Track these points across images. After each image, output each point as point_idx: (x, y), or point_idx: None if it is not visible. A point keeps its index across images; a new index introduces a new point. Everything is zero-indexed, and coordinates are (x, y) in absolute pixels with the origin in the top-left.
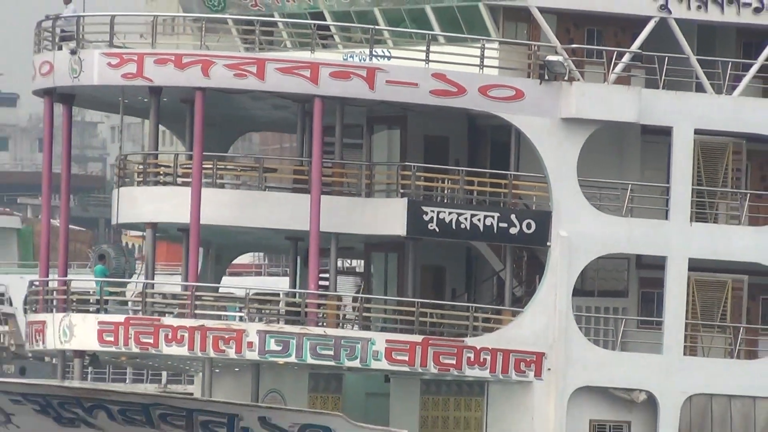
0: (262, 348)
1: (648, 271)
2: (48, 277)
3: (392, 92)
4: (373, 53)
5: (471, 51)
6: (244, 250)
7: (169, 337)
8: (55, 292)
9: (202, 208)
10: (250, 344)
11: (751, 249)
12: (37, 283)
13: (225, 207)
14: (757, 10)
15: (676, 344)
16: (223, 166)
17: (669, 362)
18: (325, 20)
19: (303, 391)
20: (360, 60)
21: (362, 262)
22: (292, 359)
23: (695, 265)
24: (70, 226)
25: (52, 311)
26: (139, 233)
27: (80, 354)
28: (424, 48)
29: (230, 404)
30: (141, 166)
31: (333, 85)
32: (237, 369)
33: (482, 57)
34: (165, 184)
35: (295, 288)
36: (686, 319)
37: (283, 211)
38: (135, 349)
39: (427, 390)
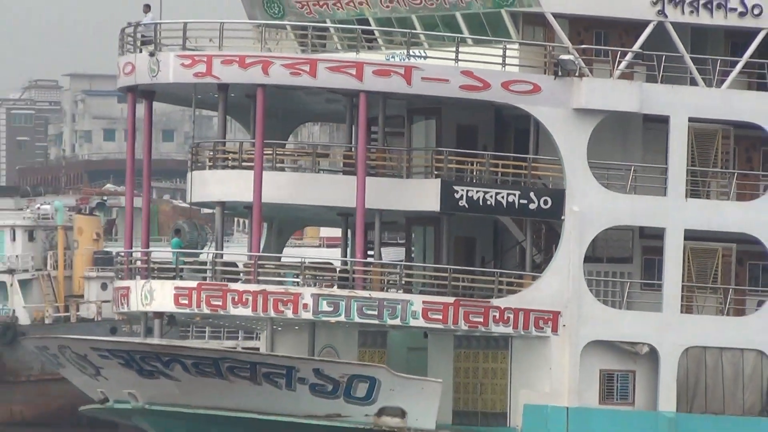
0: (316, 309)
1: (649, 241)
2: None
3: (426, 87)
4: (411, 54)
5: (495, 51)
6: (302, 225)
7: (236, 300)
8: (138, 262)
9: (264, 189)
10: (306, 306)
11: (739, 221)
12: (122, 254)
13: (283, 187)
14: (741, 14)
15: (674, 303)
16: (281, 152)
17: (668, 319)
18: (370, 25)
19: (353, 346)
20: (399, 60)
21: (404, 234)
22: (342, 319)
23: (690, 235)
24: (182, 204)
25: (135, 278)
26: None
27: (159, 315)
28: (455, 49)
29: (288, 358)
30: (211, 153)
31: (375, 81)
32: (296, 327)
33: (504, 56)
34: (232, 168)
35: (345, 257)
36: (683, 281)
37: (334, 190)
38: (206, 311)
39: (459, 344)
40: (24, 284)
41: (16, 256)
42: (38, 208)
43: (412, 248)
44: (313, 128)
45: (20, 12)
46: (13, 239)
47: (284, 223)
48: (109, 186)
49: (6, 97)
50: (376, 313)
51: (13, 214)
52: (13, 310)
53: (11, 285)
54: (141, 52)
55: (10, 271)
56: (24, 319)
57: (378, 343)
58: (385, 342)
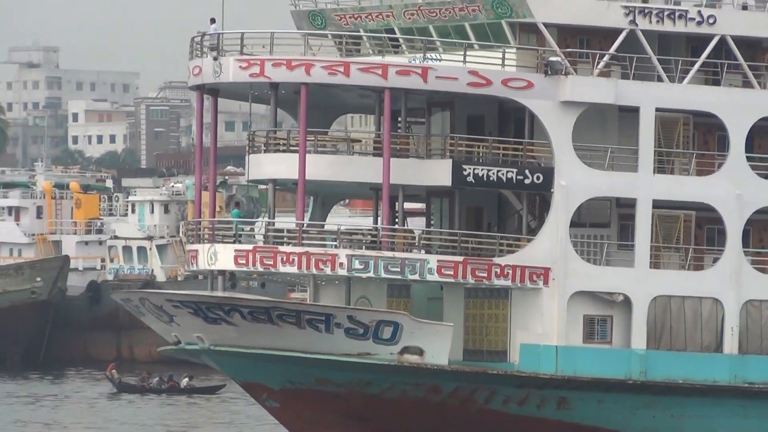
0: (350, 267)
1: (624, 209)
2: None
3: (440, 84)
4: (427, 57)
5: (496, 54)
6: (341, 198)
7: (284, 260)
8: (205, 229)
9: (307, 168)
10: (341, 264)
11: (697, 192)
12: (192, 223)
13: (324, 167)
14: (699, 23)
15: (644, 260)
16: (322, 138)
17: (639, 273)
18: (395, 34)
19: (383, 297)
20: (418, 61)
21: (425, 205)
22: (371, 275)
23: (657, 204)
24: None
25: (202, 242)
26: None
27: (222, 273)
28: (463, 52)
29: (326, 306)
30: (264, 139)
31: (397, 79)
32: (336, 282)
33: (503, 59)
34: (282, 151)
35: (375, 224)
36: (651, 242)
37: (365, 169)
38: (260, 269)
39: (468, 295)
40: (160, 249)
41: (154, 225)
42: (172, 186)
43: (432, 216)
44: (350, 118)
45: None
46: (152, 212)
47: (326, 196)
48: (229, 168)
49: (146, 95)
50: (399, 269)
51: (151, 191)
52: (152, 270)
53: (150, 249)
54: (206, 56)
55: (149, 238)
56: (161, 277)
57: (403, 294)
58: (409, 293)
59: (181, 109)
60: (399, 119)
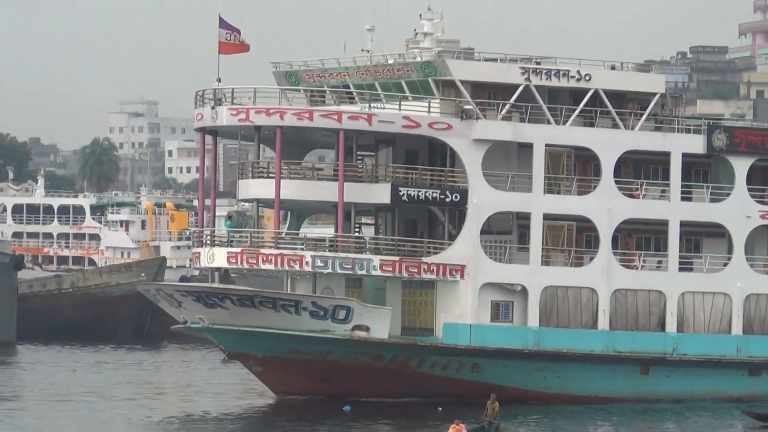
0: (313, 264)
1: (522, 220)
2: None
3: (381, 126)
4: (373, 106)
5: (425, 104)
6: (311, 212)
7: (264, 259)
8: (206, 236)
9: (282, 190)
10: (307, 263)
11: (578, 207)
12: (196, 233)
13: (295, 189)
14: (578, 80)
15: (537, 259)
16: (294, 167)
17: (533, 269)
18: (350, 88)
19: (342, 287)
20: (365, 109)
21: (374, 218)
22: (329, 270)
23: (547, 217)
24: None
25: (203, 246)
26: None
27: (218, 269)
28: (398, 102)
29: (295, 294)
30: (250, 168)
31: (349, 123)
32: (307, 276)
33: (429, 106)
34: (263, 177)
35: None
36: (542, 245)
37: (327, 191)
38: (246, 266)
39: (405, 286)
40: None
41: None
42: (243, 204)
43: (379, 226)
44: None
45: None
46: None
47: (300, 212)
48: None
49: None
50: (350, 267)
51: (227, 209)
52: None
53: None
54: (206, 106)
55: None
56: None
57: (357, 285)
58: (361, 284)
59: (248, 147)
60: (357, 154)
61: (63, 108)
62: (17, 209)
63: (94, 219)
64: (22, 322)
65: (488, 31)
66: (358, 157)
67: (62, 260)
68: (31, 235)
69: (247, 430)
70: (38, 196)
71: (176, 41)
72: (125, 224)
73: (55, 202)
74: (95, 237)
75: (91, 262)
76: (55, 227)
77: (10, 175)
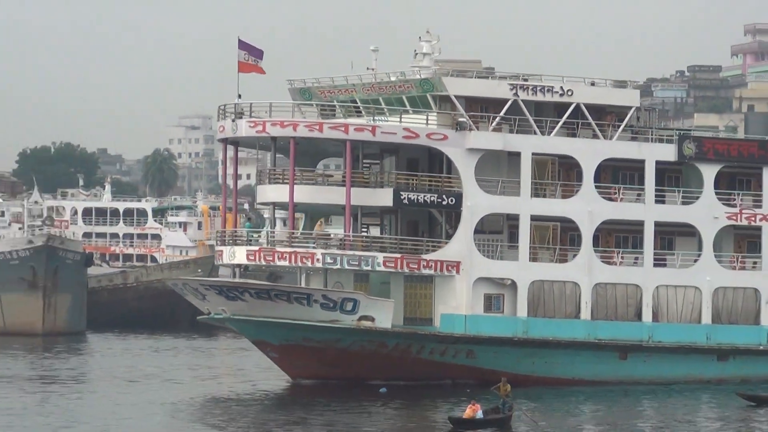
0: (324, 261)
1: (512, 221)
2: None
3: (384, 137)
4: (377, 119)
5: (423, 117)
6: (323, 215)
7: (280, 257)
8: (227, 236)
9: (296, 195)
10: (318, 260)
11: (562, 210)
12: (219, 232)
13: (307, 193)
14: (561, 95)
15: (525, 256)
16: (308, 174)
17: (522, 265)
18: (357, 103)
19: (351, 282)
20: (372, 122)
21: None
22: (338, 266)
23: (534, 218)
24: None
25: (225, 245)
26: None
27: (239, 266)
28: (399, 115)
29: (307, 288)
30: (267, 175)
31: (355, 134)
32: (320, 272)
33: (427, 119)
34: (278, 183)
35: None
36: (530, 244)
37: (336, 195)
38: (263, 263)
39: (407, 280)
40: None
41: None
42: None
43: (384, 227)
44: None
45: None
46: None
47: (313, 214)
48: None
49: None
50: (357, 263)
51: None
52: None
53: None
54: (227, 119)
55: None
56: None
57: (364, 280)
58: (368, 279)
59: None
60: (364, 162)
61: (128, 122)
62: (87, 212)
63: (155, 221)
64: (92, 314)
65: (503, 50)
66: (365, 165)
67: (127, 258)
68: (99, 235)
69: (267, 411)
70: (105, 200)
71: (227, 63)
72: (183, 225)
73: (121, 205)
74: (156, 237)
75: (153, 259)
76: (120, 228)
77: (81, 182)
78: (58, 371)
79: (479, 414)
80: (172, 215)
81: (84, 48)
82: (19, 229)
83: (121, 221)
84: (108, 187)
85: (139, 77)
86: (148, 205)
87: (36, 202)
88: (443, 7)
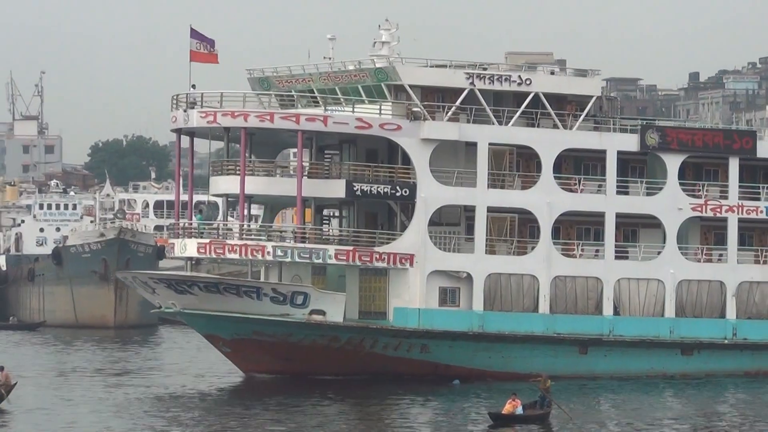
0: (274, 254)
1: (468, 213)
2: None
3: (336, 127)
4: (333, 109)
5: (377, 106)
6: (282, 206)
7: (230, 249)
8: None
9: (247, 186)
10: (268, 253)
11: (520, 201)
12: (171, 225)
13: (259, 185)
14: (519, 84)
15: (482, 248)
16: (260, 165)
17: (478, 257)
18: (314, 93)
19: (308, 275)
20: (330, 112)
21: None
22: (288, 260)
23: (491, 209)
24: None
25: (178, 237)
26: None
27: (189, 259)
28: (352, 105)
29: (256, 281)
30: (220, 166)
31: (307, 124)
32: (277, 265)
33: (380, 109)
34: (230, 174)
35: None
36: (487, 236)
37: (288, 186)
38: (213, 255)
39: (362, 273)
40: None
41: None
42: None
43: (343, 218)
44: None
45: None
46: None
47: (273, 206)
48: None
49: None
50: (308, 256)
51: None
52: None
53: None
54: (179, 110)
55: None
56: None
57: (322, 273)
58: (326, 272)
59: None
60: (325, 152)
61: None
62: (158, 205)
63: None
64: None
65: (573, 43)
66: (327, 156)
67: None
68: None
69: (218, 406)
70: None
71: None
72: (255, 218)
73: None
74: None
75: None
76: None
77: (153, 175)
78: (132, 363)
79: (519, 410)
80: None
81: (156, 41)
82: (91, 222)
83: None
84: (180, 180)
85: None
86: (219, 198)
87: (108, 195)
88: None
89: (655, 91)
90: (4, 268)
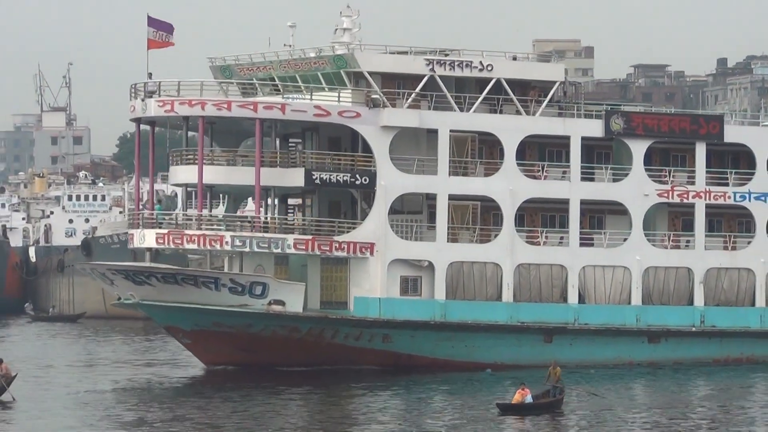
0: (232, 244)
1: (430, 201)
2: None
3: (294, 115)
4: (292, 96)
5: (336, 94)
6: (246, 196)
7: (188, 239)
8: (137, 219)
9: (206, 175)
10: (227, 242)
11: (482, 188)
12: (130, 215)
13: (218, 174)
14: (480, 70)
15: (443, 237)
16: (219, 154)
17: (440, 246)
18: (275, 81)
19: (271, 265)
20: (290, 100)
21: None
22: (247, 249)
23: (452, 197)
24: None
25: (137, 228)
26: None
27: (149, 249)
28: (311, 92)
29: (213, 271)
30: (179, 156)
31: (264, 112)
32: (241, 255)
33: (339, 96)
34: (189, 164)
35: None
36: (449, 224)
37: (247, 175)
38: (172, 246)
39: (323, 263)
40: None
41: None
42: None
43: (308, 207)
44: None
45: None
46: None
47: (235, 195)
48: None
49: None
50: (267, 245)
51: None
52: None
53: None
54: (137, 99)
55: None
56: None
57: (284, 263)
58: (287, 262)
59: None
60: (290, 140)
61: None
62: (186, 196)
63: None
64: None
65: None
66: (291, 144)
67: None
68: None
69: (178, 397)
70: None
71: None
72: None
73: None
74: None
75: None
76: (221, 211)
77: None
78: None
79: (528, 398)
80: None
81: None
82: (120, 213)
83: (221, 205)
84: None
85: None
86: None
87: None
88: None
89: (684, 77)
90: (33, 260)
